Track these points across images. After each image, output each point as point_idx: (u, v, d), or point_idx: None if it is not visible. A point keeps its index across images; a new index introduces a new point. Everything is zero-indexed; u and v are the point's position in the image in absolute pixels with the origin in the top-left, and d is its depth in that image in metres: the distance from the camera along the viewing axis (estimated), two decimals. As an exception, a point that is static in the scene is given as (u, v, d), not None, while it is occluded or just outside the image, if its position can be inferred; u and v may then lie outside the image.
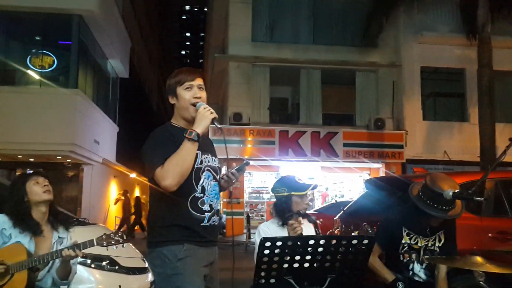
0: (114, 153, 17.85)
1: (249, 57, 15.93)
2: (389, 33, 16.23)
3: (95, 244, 2.75)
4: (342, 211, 6.06)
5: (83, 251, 2.76)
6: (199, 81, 2.46)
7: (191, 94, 2.43)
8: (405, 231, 3.38)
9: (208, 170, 2.44)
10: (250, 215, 15.09)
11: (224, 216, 15.24)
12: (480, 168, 11.33)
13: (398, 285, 3.18)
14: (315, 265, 2.42)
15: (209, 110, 2.34)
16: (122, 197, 17.92)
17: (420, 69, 16.11)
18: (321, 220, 3.51)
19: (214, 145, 2.65)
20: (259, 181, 16.51)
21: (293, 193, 3.21)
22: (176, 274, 2.27)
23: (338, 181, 17.13)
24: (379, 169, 16.04)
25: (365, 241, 2.44)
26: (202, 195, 2.39)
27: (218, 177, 2.53)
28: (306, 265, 2.42)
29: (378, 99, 16.40)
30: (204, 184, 2.40)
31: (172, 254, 2.28)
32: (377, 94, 16.44)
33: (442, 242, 3.38)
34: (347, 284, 2.61)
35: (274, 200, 3.40)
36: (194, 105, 2.41)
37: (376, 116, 15.85)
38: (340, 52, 16.12)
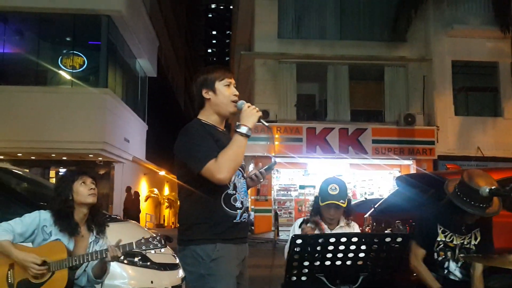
0: (144, 151, 18.14)
1: (275, 54, 15.88)
2: (418, 27, 15.89)
3: (134, 247, 2.76)
4: (373, 209, 5.97)
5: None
6: (233, 80, 2.50)
7: (231, 91, 2.45)
8: (440, 228, 3.30)
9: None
10: (278, 213, 15.07)
11: (252, 213, 15.28)
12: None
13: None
14: (347, 263, 2.38)
15: (255, 108, 2.36)
16: (152, 195, 18.18)
17: (451, 63, 15.71)
18: (350, 217, 3.46)
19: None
20: (286, 178, 16.46)
21: (319, 198, 3.20)
22: (209, 275, 2.27)
23: (367, 178, 16.91)
24: (409, 166, 15.75)
25: (399, 239, 2.38)
26: (234, 192, 2.39)
27: (245, 175, 2.53)
28: (338, 262, 2.38)
29: (408, 95, 16.10)
30: (235, 181, 2.40)
31: (205, 254, 2.28)
32: (406, 89, 16.13)
33: (478, 240, 3.29)
34: (380, 283, 2.57)
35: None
36: (234, 102, 2.43)
37: (406, 111, 15.56)
38: (368, 47, 15.89)
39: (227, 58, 54.97)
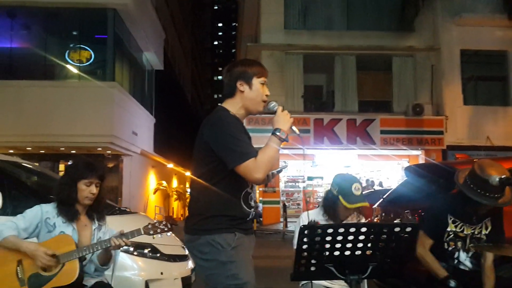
0: (152, 144, 18.20)
1: (282, 45, 15.82)
2: (426, 16, 15.74)
3: (142, 233, 2.83)
4: (382, 199, 5.96)
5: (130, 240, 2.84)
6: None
7: (265, 90, 2.46)
8: (450, 218, 3.28)
9: None
10: (286, 204, 15.09)
11: (260, 205, 15.31)
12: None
13: (450, 283, 3.08)
14: (356, 253, 2.38)
15: (288, 114, 2.37)
16: (161, 187, 18.23)
17: (459, 52, 15.56)
18: (360, 208, 3.44)
19: None
20: (294, 169, 16.47)
21: (340, 198, 3.16)
22: (231, 262, 2.30)
23: (376, 169, 16.87)
24: (418, 156, 15.69)
25: (408, 229, 2.37)
26: (251, 190, 2.44)
27: None
28: (347, 253, 2.38)
29: (416, 84, 15.98)
30: None
31: (226, 242, 2.31)
32: (415, 79, 16.02)
33: (489, 230, 3.27)
34: (389, 272, 2.56)
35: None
36: (263, 102, 2.45)
37: (414, 101, 15.46)
38: (375, 37, 15.77)
39: (233, 50, 54.90)
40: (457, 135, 15.21)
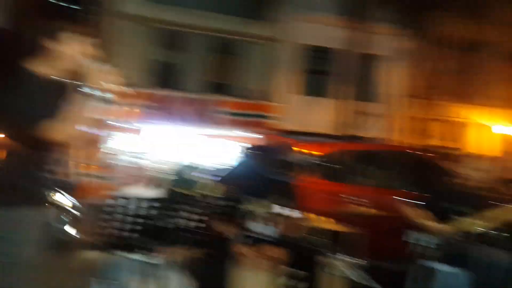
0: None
1: (132, 16, 15.20)
2: (273, 7, 16.69)
3: None
4: (221, 178, 6.29)
5: None
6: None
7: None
8: (249, 196, 3.60)
9: None
10: (109, 179, 14.53)
11: (84, 177, 14.51)
12: (342, 141, 12.49)
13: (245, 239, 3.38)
14: (161, 224, 2.48)
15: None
16: None
17: (298, 45, 16.92)
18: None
19: None
20: (125, 144, 15.97)
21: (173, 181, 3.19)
22: None
23: (216, 150, 17.41)
24: (257, 139, 16.66)
25: (229, 203, 2.60)
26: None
27: None
28: (152, 224, 2.51)
29: (258, 71, 16.91)
30: None
31: None
32: (257, 66, 16.92)
33: (281, 200, 3.69)
34: (196, 242, 2.77)
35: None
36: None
37: (255, 87, 16.39)
38: (223, 21, 16.14)
39: (86, 18, 50.24)
40: (290, 122, 16.62)
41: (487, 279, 3.97)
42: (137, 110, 14.51)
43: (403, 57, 18.58)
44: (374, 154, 5.51)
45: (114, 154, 16.12)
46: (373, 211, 3.62)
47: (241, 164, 6.44)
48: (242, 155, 6.22)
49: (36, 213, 2.18)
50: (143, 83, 15.30)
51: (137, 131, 15.08)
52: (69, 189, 2.15)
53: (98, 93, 2.29)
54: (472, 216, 4.23)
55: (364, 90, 16.84)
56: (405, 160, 6.10)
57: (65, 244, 2.27)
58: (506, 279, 3.92)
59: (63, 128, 2.13)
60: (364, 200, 3.68)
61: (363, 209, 3.58)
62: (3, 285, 2.02)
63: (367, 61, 17.35)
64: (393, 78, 18.33)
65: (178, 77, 16.31)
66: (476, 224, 4.22)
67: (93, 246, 2.43)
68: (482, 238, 4.21)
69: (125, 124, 13.92)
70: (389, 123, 18.01)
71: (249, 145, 5.72)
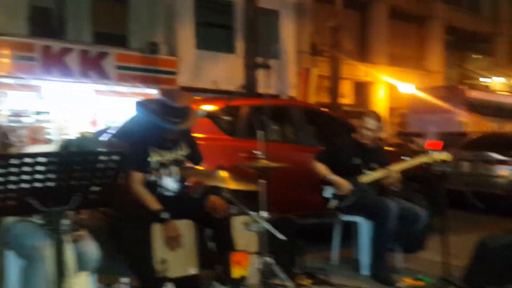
0: None
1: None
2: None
3: None
4: (112, 136, 5.95)
5: None
6: None
7: None
8: (150, 149, 3.52)
9: None
10: (10, 141, 13.28)
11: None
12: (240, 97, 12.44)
13: (162, 215, 3.33)
14: (58, 184, 2.27)
15: None
16: None
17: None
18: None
19: None
20: (18, 102, 14.57)
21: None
22: None
23: (111, 106, 16.48)
24: (153, 95, 16.01)
25: (114, 157, 2.38)
26: None
27: None
28: (50, 184, 2.25)
29: (153, 22, 16.03)
30: None
31: None
32: (151, 16, 16.01)
33: (187, 151, 3.69)
34: (95, 202, 2.55)
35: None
36: None
37: (150, 39, 15.55)
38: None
39: None
40: (188, 77, 16.16)
41: (384, 226, 4.29)
42: (24, 63, 13.11)
43: (301, 14, 18.90)
44: (275, 110, 5.49)
45: (14, 115, 14.75)
46: (273, 164, 3.59)
47: (132, 119, 6.12)
48: (134, 110, 5.88)
49: None
50: (23, 32, 13.77)
51: (32, 88, 13.70)
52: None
53: None
54: (375, 169, 4.50)
55: (265, 46, 16.85)
56: (306, 116, 6.19)
57: None
58: (400, 225, 4.25)
59: None
60: (264, 154, 3.62)
61: (263, 162, 3.54)
62: None
63: (269, 16, 17.29)
64: (294, 34, 18.61)
65: (64, 26, 14.88)
66: (378, 177, 4.51)
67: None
68: (382, 189, 4.55)
69: (15, 81, 12.60)
70: (291, 80, 18.40)
71: (141, 100, 5.45)
